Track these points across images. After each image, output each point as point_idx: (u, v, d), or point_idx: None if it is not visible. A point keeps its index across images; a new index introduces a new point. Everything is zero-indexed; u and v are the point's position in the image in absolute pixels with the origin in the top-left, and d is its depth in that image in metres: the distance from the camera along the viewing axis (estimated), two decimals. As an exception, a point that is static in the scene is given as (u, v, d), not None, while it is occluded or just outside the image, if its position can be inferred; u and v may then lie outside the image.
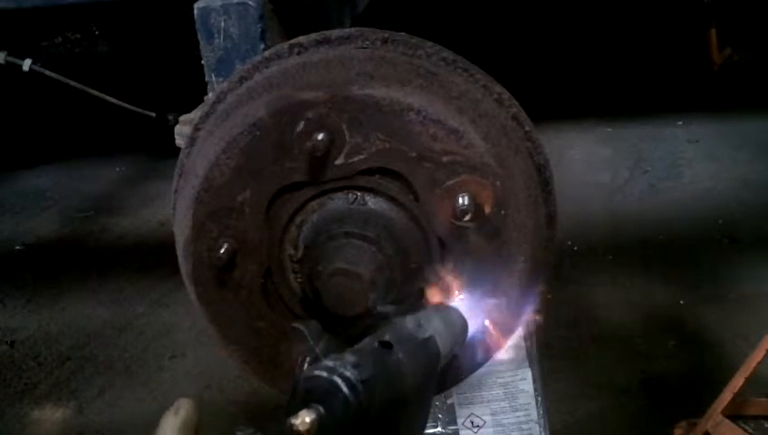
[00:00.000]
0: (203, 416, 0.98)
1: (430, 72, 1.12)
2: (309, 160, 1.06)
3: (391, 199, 1.08)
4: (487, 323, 1.10)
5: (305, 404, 0.78)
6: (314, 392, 0.79)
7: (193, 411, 0.97)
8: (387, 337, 0.90)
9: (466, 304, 1.07)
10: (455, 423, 1.63)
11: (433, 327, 0.96)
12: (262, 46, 1.39)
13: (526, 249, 1.10)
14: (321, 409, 0.77)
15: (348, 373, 0.80)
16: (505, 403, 1.61)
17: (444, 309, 1.04)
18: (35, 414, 2.96)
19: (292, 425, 0.75)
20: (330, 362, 0.82)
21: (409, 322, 0.96)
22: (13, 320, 3.55)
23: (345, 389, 0.79)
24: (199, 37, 1.41)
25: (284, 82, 1.11)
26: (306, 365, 0.95)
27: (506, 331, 1.18)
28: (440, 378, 1.03)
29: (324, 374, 0.80)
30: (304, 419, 0.76)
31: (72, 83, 2.63)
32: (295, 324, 0.96)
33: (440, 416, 1.63)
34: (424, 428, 0.99)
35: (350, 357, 0.83)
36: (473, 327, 1.06)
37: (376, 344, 0.89)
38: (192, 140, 1.21)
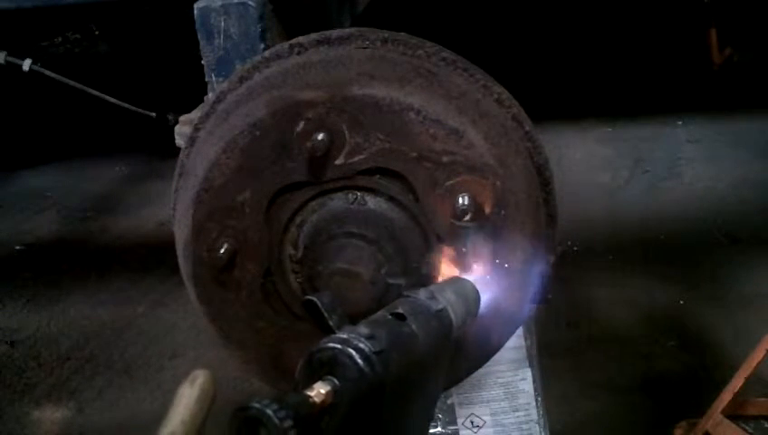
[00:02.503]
0: (218, 387, 0.98)
1: (430, 72, 1.11)
2: (309, 160, 1.06)
3: (391, 199, 1.08)
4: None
5: (319, 376, 0.78)
6: (328, 364, 0.79)
7: (209, 382, 0.97)
8: (400, 309, 0.90)
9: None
10: (455, 423, 1.63)
11: (446, 299, 0.96)
12: (262, 46, 1.39)
13: (526, 249, 1.10)
14: (335, 381, 0.77)
15: (362, 345, 0.80)
16: (505, 403, 1.61)
17: (456, 281, 1.03)
18: (35, 414, 2.95)
19: (307, 397, 0.74)
20: (343, 335, 0.81)
21: (422, 293, 0.95)
22: (13, 320, 3.54)
23: (359, 361, 0.79)
24: (199, 37, 1.41)
25: (284, 82, 1.11)
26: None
27: (508, 328, 1.18)
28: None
29: (338, 346, 0.79)
30: (320, 390, 0.76)
31: (72, 83, 2.62)
32: (309, 296, 0.95)
33: (440, 416, 1.63)
34: (438, 399, 0.98)
35: (363, 329, 0.82)
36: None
37: (389, 316, 0.89)
38: (192, 140, 1.21)
